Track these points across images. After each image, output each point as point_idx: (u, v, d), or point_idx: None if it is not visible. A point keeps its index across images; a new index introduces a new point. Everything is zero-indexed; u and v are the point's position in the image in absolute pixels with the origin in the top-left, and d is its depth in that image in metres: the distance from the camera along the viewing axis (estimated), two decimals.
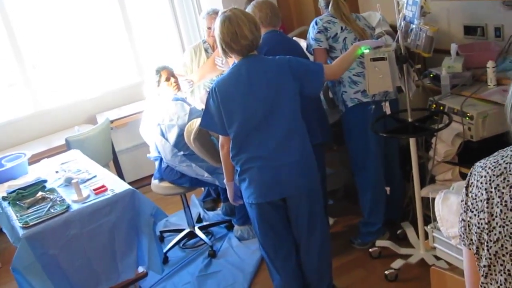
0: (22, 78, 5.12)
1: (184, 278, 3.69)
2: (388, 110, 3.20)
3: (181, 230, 4.16)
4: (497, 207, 1.23)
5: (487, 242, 1.25)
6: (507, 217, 1.20)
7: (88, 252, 2.92)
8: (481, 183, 1.28)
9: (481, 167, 1.30)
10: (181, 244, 4.09)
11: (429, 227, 2.40)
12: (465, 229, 1.33)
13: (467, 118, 2.99)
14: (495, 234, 1.23)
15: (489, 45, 3.44)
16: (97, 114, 5.31)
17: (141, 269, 3.21)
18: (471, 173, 1.34)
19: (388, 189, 3.47)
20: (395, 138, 3.48)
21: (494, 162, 1.27)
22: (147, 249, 3.10)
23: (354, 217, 3.91)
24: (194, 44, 4.43)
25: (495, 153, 1.30)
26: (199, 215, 4.50)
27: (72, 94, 5.38)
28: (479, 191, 1.28)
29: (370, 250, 3.51)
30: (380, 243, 3.49)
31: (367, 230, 3.59)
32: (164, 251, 3.88)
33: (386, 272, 3.22)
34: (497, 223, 1.22)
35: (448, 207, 2.08)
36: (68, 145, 4.27)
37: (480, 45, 3.52)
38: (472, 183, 1.32)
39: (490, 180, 1.25)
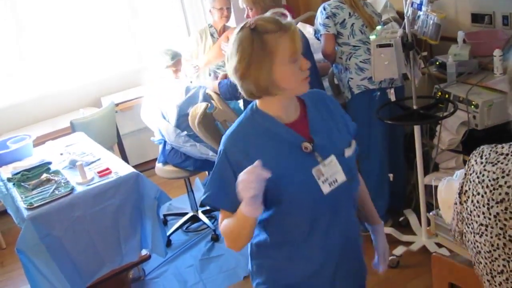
0: (27, 60, 5.11)
1: (187, 261, 3.72)
2: (393, 97, 3.19)
3: (184, 214, 4.19)
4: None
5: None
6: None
7: (92, 234, 2.94)
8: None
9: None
10: (184, 228, 4.12)
11: (431, 214, 2.41)
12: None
13: (472, 106, 2.99)
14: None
15: (496, 34, 3.42)
16: (102, 97, 5.31)
17: (144, 252, 3.24)
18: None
19: (391, 176, 3.47)
20: (399, 126, 3.48)
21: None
22: (150, 232, 3.12)
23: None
24: (200, 28, 4.42)
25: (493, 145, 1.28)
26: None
27: (77, 77, 5.37)
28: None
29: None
30: None
31: None
32: (167, 234, 3.90)
33: None
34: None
35: (451, 194, 2.08)
36: (73, 128, 4.28)
37: (487, 33, 3.50)
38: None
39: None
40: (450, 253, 2.42)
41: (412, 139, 3.09)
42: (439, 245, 2.86)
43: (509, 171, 1.17)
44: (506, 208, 1.15)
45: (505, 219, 1.16)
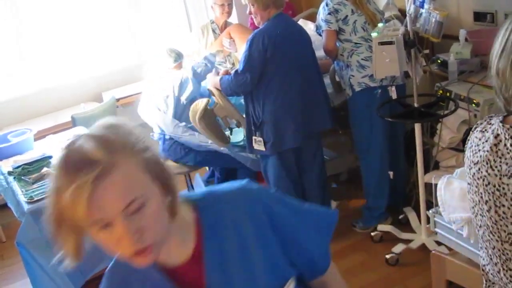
0: (28, 55, 5.11)
1: None
2: (394, 95, 3.19)
3: None
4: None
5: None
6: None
7: None
8: None
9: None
10: None
11: (430, 211, 2.41)
12: None
13: (473, 105, 2.98)
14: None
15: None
16: (103, 92, 5.31)
17: None
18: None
19: (391, 173, 3.48)
20: (400, 123, 3.48)
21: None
22: None
23: (357, 201, 3.93)
24: (202, 24, 4.42)
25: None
26: None
27: (78, 71, 5.37)
28: None
29: (371, 234, 3.52)
30: (382, 227, 3.51)
31: (369, 214, 3.61)
32: None
33: (387, 256, 3.24)
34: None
35: (451, 192, 2.09)
36: (74, 122, 4.28)
37: (490, 32, 3.49)
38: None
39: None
40: (449, 251, 2.43)
41: (413, 137, 3.09)
42: (439, 243, 2.86)
43: (488, 138, 1.27)
44: (479, 169, 1.28)
45: (478, 178, 1.29)
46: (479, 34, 3.48)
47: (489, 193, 1.26)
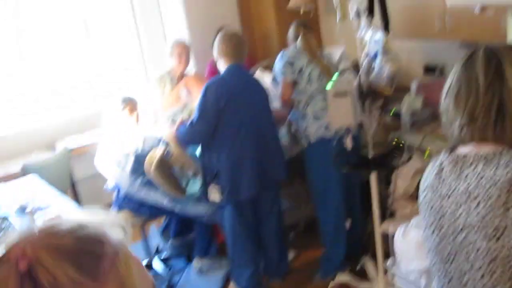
0: None
1: None
2: (350, 145, 3.22)
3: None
4: None
5: None
6: None
7: None
8: None
9: None
10: None
11: (388, 264, 2.41)
12: None
13: (426, 155, 3.05)
14: None
15: None
16: (56, 140, 5.19)
17: None
18: None
19: (348, 223, 3.48)
20: (355, 173, 3.51)
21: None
22: None
23: (314, 250, 3.90)
24: (159, 74, 4.41)
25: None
26: (158, 246, 4.42)
27: (31, 119, 5.25)
28: None
29: (330, 285, 3.49)
30: (340, 277, 3.48)
31: (328, 264, 3.58)
32: None
33: None
34: None
35: (408, 242, 2.09)
36: (25, 171, 4.15)
37: (439, 84, 3.59)
38: None
39: None
40: None
41: (369, 187, 3.12)
42: None
43: (434, 167, 1.40)
44: (425, 196, 1.41)
45: (424, 203, 1.41)
46: (430, 87, 3.60)
47: (432, 215, 1.36)
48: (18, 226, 2.98)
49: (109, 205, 3.91)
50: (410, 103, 3.41)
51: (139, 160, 3.56)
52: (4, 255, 0.71)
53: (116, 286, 0.73)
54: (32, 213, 2.99)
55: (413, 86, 3.47)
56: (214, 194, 3.29)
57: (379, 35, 2.83)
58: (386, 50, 2.87)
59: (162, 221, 4.67)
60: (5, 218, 3.14)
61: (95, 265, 0.72)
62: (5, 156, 4.99)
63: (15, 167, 4.53)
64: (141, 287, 0.79)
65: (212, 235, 4.03)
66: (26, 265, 0.68)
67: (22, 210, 3.18)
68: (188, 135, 3.24)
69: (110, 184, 3.79)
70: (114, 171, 3.65)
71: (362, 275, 3.50)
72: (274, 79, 3.52)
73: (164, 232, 4.66)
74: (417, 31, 3.55)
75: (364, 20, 2.87)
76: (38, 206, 3.24)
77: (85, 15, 5.40)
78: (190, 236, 4.16)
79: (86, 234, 0.75)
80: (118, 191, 3.77)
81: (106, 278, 0.72)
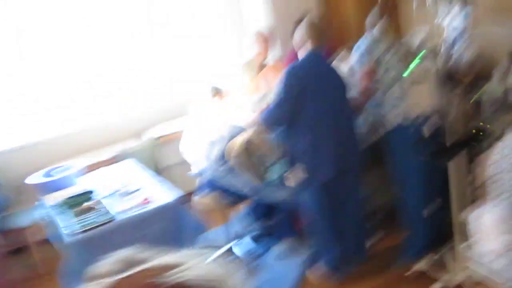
0: (74, 93, 5.33)
1: None
2: (428, 133, 3.21)
3: (220, 246, 4.23)
4: None
5: None
6: None
7: None
8: None
9: None
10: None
11: (464, 246, 2.40)
12: None
13: None
14: None
15: None
16: (145, 129, 5.45)
17: None
18: None
19: (428, 210, 3.46)
20: (435, 161, 3.47)
21: None
22: None
23: (393, 238, 3.90)
24: (243, 61, 4.55)
25: None
26: (239, 232, 4.57)
27: (120, 110, 5.54)
28: None
29: (407, 273, 3.49)
30: (417, 266, 3.47)
31: (406, 252, 3.58)
32: None
33: None
34: None
35: (483, 225, 2.09)
36: (117, 159, 4.42)
37: None
38: None
39: None
40: None
41: (448, 175, 3.10)
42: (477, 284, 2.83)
43: None
44: None
45: None
46: None
47: None
48: (109, 206, 3.21)
49: (192, 192, 4.08)
50: (492, 90, 3.33)
51: (224, 148, 3.71)
52: None
53: None
54: (124, 195, 3.20)
55: (496, 73, 3.38)
56: (295, 179, 3.38)
57: (459, 20, 2.80)
58: (466, 36, 2.83)
59: (243, 207, 4.81)
60: (89, 192, 3.39)
61: None
62: (97, 145, 5.32)
63: (107, 155, 4.83)
64: None
65: (293, 222, 4.12)
66: None
67: (115, 191, 3.41)
68: (270, 118, 3.36)
69: (194, 170, 3.96)
70: (199, 157, 3.82)
71: (440, 264, 3.47)
72: (353, 67, 3.55)
73: (247, 217, 4.80)
74: (503, 15, 3.45)
75: (442, 6, 2.85)
76: (129, 189, 3.46)
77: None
78: (271, 222, 4.28)
79: None
80: (203, 176, 3.94)
81: None
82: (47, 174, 3.93)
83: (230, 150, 3.55)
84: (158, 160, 5.11)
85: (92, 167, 4.39)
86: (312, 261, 3.74)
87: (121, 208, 3.16)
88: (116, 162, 4.40)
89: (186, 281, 0.66)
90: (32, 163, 4.48)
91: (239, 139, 3.54)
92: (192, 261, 0.70)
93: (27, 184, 3.95)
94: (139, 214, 3.10)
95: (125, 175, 3.83)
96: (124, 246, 2.60)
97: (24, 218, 4.34)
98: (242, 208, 4.82)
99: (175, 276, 0.66)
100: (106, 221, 3.03)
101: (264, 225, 4.43)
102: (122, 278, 0.68)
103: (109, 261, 0.72)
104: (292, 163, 3.41)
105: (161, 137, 5.15)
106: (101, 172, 4.06)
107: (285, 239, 4.05)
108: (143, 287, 0.66)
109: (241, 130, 3.76)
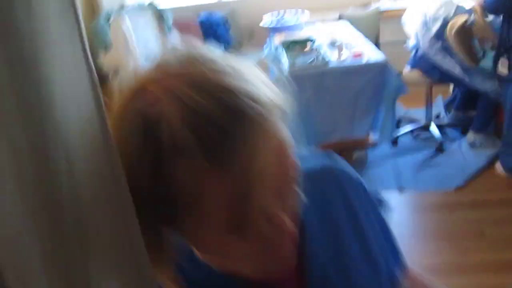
0: None
1: (407, 160, 3.99)
2: None
3: (417, 122, 4.42)
4: None
5: None
6: None
7: (333, 102, 3.42)
8: None
9: None
10: (414, 134, 4.36)
11: None
12: None
13: None
14: None
15: None
16: (372, 0, 5.57)
17: (372, 139, 3.63)
18: None
19: None
20: None
21: None
22: (383, 116, 3.47)
23: None
24: None
25: None
26: (439, 114, 4.66)
27: None
28: None
29: None
30: None
31: None
32: (398, 135, 4.20)
33: None
34: None
35: None
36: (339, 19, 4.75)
37: None
38: None
39: None
40: None
41: None
42: None
43: None
44: None
45: None
46: None
47: None
48: (326, 55, 3.57)
49: (403, 66, 4.23)
50: None
51: (445, 25, 3.75)
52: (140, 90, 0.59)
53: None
54: (341, 46, 3.53)
55: None
56: (503, 68, 3.37)
57: None
58: None
59: (448, 93, 4.85)
60: (319, 47, 3.77)
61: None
62: (324, 7, 5.65)
63: (333, 16, 5.16)
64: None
65: (493, 113, 4.09)
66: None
67: (333, 43, 3.76)
68: (494, 4, 3.32)
69: (411, 42, 4.09)
70: (419, 30, 3.92)
71: None
72: None
73: (449, 104, 4.85)
74: None
75: None
76: (346, 43, 3.78)
77: None
78: (471, 113, 4.30)
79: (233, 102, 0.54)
80: (416, 51, 4.06)
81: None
82: (278, 20, 4.44)
83: (451, 28, 3.59)
84: (378, 34, 5.26)
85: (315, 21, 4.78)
86: (503, 157, 3.75)
87: (336, 57, 3.50)
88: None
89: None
90: (266, 9, 5.00)
91: (462, 19, 3.55)
92: None
93: (260, 28, 4.51)
94: (351, 65, 3.42)
95: (344, 33, 4.15)
96: (330, 90, 3.05)
97: (251, 57, 4.95)
98: (447, 94, 4.86)
99: None
100: (322, 64, 3.41)
101: (461, 116, 4.46)
102: None
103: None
104: (503, 51, 3.37)
105: (386, 11, 5.25)
106: (323, 25, 4.43)
107: (481, 129, 4.07)
108: None
109: (464, 11, 3.73)
